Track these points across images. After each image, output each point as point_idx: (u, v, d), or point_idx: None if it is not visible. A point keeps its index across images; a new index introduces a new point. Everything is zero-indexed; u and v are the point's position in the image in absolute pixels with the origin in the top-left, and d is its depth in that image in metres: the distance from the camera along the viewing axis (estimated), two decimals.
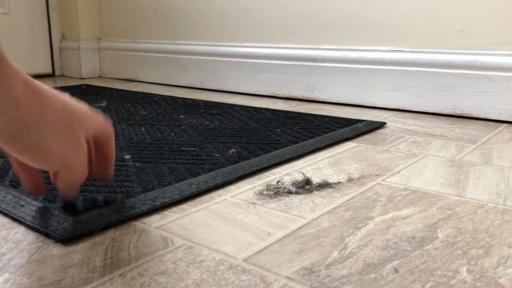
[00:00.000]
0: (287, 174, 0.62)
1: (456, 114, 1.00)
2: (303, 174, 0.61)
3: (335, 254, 0.40)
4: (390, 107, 1.10)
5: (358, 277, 0.36)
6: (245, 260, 0.39)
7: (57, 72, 1.80)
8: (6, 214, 0.48)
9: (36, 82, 0.40)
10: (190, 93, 1.36)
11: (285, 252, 0.40)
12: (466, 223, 0.46)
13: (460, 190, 0.56)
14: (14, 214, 0.47)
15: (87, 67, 1.75)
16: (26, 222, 0.45)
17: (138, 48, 1.63)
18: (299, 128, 0.87)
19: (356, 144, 0.78)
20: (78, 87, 1.46)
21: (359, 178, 0.60)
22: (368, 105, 1.13)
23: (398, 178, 0.60)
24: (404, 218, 0.48)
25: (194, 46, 1.47)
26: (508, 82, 0.93)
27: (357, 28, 1.12)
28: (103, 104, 1.13)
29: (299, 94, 1.24)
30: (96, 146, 0.48)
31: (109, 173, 0.50)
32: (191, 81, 1.49)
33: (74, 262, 0.39)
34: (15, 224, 0.46)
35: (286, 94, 1.26)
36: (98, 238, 0.43)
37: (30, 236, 0.43)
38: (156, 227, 0.46)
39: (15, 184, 0.55)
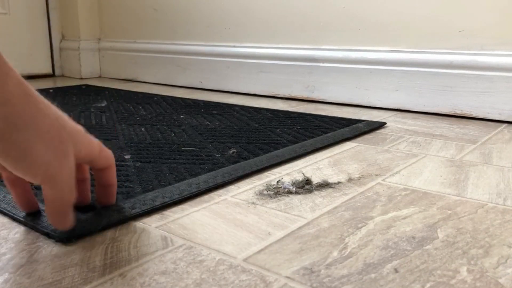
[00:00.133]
0: (287, 174, 0.62)
1: (456, 114, 1.00)
2: (303, 174, 0.61)
3: (335, 254, 0.40)
4: (390, 107, 1.10)
5: (358, 277, 0.36)
6: (245, 260, 0.39)
7: (57, 72, 1.80)
8: (6, 214, 0.48)
9: (31, 87, 0.38)
10: (190, 93, 1.36)
11: (285, 252, 0.40)
12: (466, 223, 0.46)
13: (460, 190, 0.56)
14: (14, 214, 0.47)
15: (87, 67, 1.75)
16: (26, 222, 0.45)
17: (138, 48, 1.63)
18: (299, 128, 0.87)
19: (356, 144, 0.78)
20: (78, 87, 1.46)
21: (359, 178, 0.60)
22: (368, 105, 1.13)
23: (398, 178, 0.60)
24: (404, 218, 0.48)
25: (194, 46, 1.47)
26: (508, 82, 0.93)
27: (357, 28, 1.13)
28: (103, 104, 1.13)
29: (299, 94, 1.24)
30: (96, 175, 0.46)
31: (111, 202, 0.48)
32: (191, 81, 1.49)
33: (74, 262, 0.39)
34: (15, 224, 0.46)
35: (286, 94, 1.26)
36: (98, 238, 0.43)
37: (30, 236, 0.43)
38: (156, 227, 0.46)
39: None
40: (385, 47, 1.09)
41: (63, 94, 1.30)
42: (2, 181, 0.56)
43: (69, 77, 1.78)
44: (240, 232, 0.44)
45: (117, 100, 1.20)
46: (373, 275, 0.37)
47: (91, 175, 0.48)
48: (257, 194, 0.54)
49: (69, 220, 0.42)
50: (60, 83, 1.60)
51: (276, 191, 0.55)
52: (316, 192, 0.55)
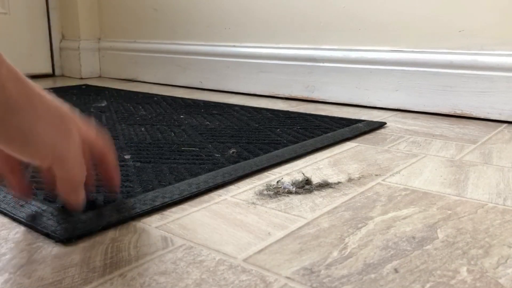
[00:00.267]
0: (287, 174, 0.62)
1: (456, 114, 1.00)
2: (303, 174, 0.61)
3: (335, 254, 0.40)
4: (390, 107, 1.10)
5: (358, 277, 0.36)
6: (245, 260, 0.39)
7: (57, 72, 1.80)
8: (6, 214, 0.48)
9: (20, 72, 0.38)
10: (190, 93, 1.36)
11: (285, 252, 0.40)
12: (466, 223, 0.46)
13: (460, 190, 0.56)
14: (14, 214, 0.47)
15: (87, 67, 1.75)
16: (26, 222, 0.45)
17: (138, 48, 1.63)
18: (299, 128, 0.87)
19: (356, 144, 0.78)
20: (78, 87, 1.46)
21: (359, 178, 0.60)
22: (368, 105, 1.13)
23: (398, 178, 0.60)
24: (404, 218, 0.48)
25: (194, 46, 1.47)
26: (508, 82, 0.93)
27: (357, 28, 1.12)
28: (103, 104, 1.13)
29: (299, 94, 1.24)
30: (96, 165, 0.46)
31: (114, 190, 0.49)
32: (191, 81, 1.49)
33: (74, 262, 0.39)
34: (15, 224, 0.46)
35: (286, 94, 1.26)
36: (98, 238, 0.43)
37: (30, 236, 0.43)
38: (156, 227, 0.46)
39: None
40: (385, 47, 1.09)
41: (63, 94, 1.30)
42: (3, 181, 0.56)
43: (69, 77, 1.78)
44: (240, 232, 0.44)
45: (117, 100, 1.20)
46: (373, 275, 0.37)
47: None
48: (257, 194, 0.54)
49: (81, 196, 0.43)
50: (60, 83, 1.60)
51: (276, 191, 0.55)
52: (316, 192, 0.55)
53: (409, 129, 0.89)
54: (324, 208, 0.50)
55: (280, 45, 1.27)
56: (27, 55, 1.70)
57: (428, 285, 0.35)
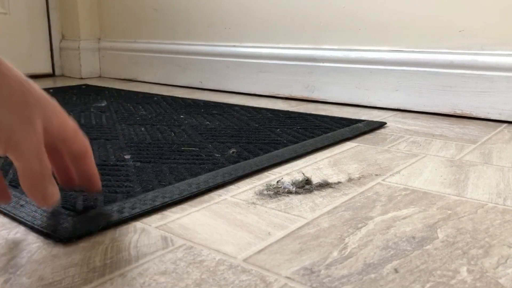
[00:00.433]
0: (287, 174, 0.62)
1: (456, 114, 1.00)
2: (303, 174, 0.61)
3: (335, 254, 0.40)
4: (390, 107, 1.10)
5: (358, 277, 0.36)
6: (245, 260, 0.39)
7: (57, 72, 1.80)
8: (6, 214, 0.48)
9: None
10: (190, 93, 1.36)
11: (285, 252, 0.40)
12: (466, 223, 0.46)
13: (460, 190, 0.56)
14: (14, 214, 0.47)
15: (87, 67, 1.75)
16: (26, 222, 0.45)
17: (138, 48, 1.63)
18: (299, 128, 0.87)
19: (356, 144, 0.78)
20: (78, 87, 1.46)
21: (359, 178, 0.60)
22: (368, 105, 1.13)
23: (398, 178, 0.60)
24: (404, 218, 0.48)
25: (194, 46, 1.47)
26: (508, 82, 0.93)
27: (357, 28, 1.12)
28: (103, 104, 1.13)
29: (299, 94, 1.24)
30: (75, 165, 0.44)
31: (97, 190, 0.46)
32: (191, 81, 1.49)
33: (74, 262, 0.39)
34: (15, 224, 0.46)
35: (286, 94, 1.26)
36: (98, 238, 0.43)
37: (30, 236, 0.43)
38: (156, 227, 0.46)
39: (15, 184, 0.55)
40: (385, 47, 1.09)
41: (63, 94, 1.30)
42: None
43: (69, 77, 1.78)
44: (240, 232, 0.44)
45: (117, 100, 1.20)
46: (373, 275, 0.37)
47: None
48: (257, 194, 0.54)
49: (49, 196, 0.39)
50: (60, 83, 1.60)
51: (276, 191, 0.55)
52: (316, 192, 0.55)
53: (409, 129, 0.89)
54: (324, 208, 0.50)
55: (280, 45, 1.27)
56: (27, 55, 1.70)
57: (428, 285, 0.35)
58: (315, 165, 0.66)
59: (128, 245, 0.42)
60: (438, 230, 0.45)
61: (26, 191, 0.39)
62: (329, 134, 0.82)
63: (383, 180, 0.60)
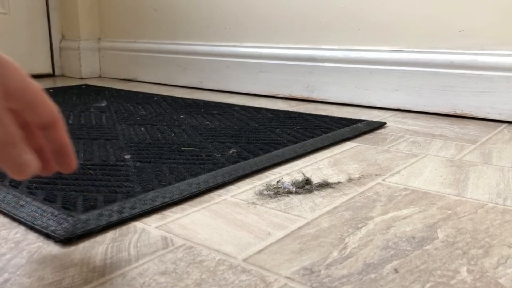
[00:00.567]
0: (287, 174, 0.62)
1: (456, 114, 1.00)
2: (303, 174, 0.61)
3: (335, 254, 0.40)
4: (390, 107, 1.10)
5: (358, 277, 0.36)
6: (245, 260, 0.39)
7: (57, 72, 1.80)
8: (6, 214, 0.48)
9: None
10: (190, 93, 1.36)
11: (285, 252, 0.40)
12: (466, 223, 0.46)
13: (460, 190, 0.56)
14: (14, 214, 0.47)
15: (87, 67, 1.75)
16: (26, 222, 0.45)
17: (138, 48, 1.63)
18: (299, 128, 0.87)
19: (356, 144, 0.78)
20: (78, 87, 1.46)
21: (359, 178, 0.60)
22: (368, 105, 1.13)
23: (398, 178, 0.60)
24: (404, 218, 0.48)
25: (194, 46, 1.47)
26: (508, 82, 0.93)
27: (357, 28, 1.12)
28: (103, 104, 1.13)
29: (299, 94, 1.24)
30: (45, 136, 0.38)
31: (72, 166, 0.39)
32: (191, 81, 1.49)
33: (74, 262, 0.39)
34: (15, 224, 0.46)
35: (286, 94, 1.26)
36: (98, 238, 0.43)
37: (30, 236, 0.43)
38: (156, 227, 0.46)
39: (15, 184, 0.55)
40: (385, 47, 1.09)
41: (63, 94, 1.30)
42: (3, 181, 0.56)
43: (69, 77, 1.78)
44: (240, 232, 0.44)
45: (117, 100, 1.20)
46: (373, 275, 0.37)
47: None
48: (257, 194, 0.54)
49: (24, 165, 0.33)
50: (60, 83, 1.60)
51: (276, 191, 0.55)
52: (316, 192, 0.55)
53: (409, 129, 0.89)
54: (324, 208, 0.50)
55: (280, 45, 1.27)
56: (27, 55, 1.70)
57: (428, 285, 0.35)
58: (315, 165, 0.66)
59: (128, 245, 0.42)
60: (438, 230, 0.45)
61: None
62: (329, 134, 0.82)
63: (383, 180, 0.60)
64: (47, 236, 0.43)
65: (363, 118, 0.98)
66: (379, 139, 0.81)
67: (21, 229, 0.45)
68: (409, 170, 0.64)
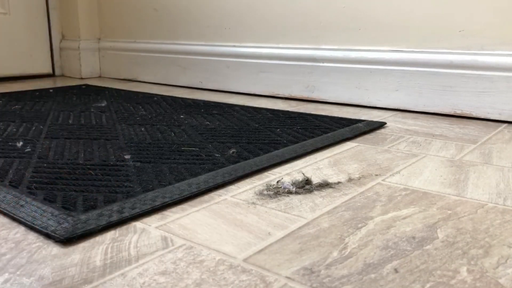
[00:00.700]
0: (287, 174, 0.62)
1: (456, 114, 1.00)
2: (303, 174, 0.61)
3: (335, 254, 0.40)
4: (390, 107, 1.10)
5: (358, 277, 0.36)
6: (245, 260, 0.39)
7: (57, 72, 1.80)
8: (6, 214, 0.48)
9: None
10: (190, 93, 1.36)
11: (285, 252, 0.40)
12: (466, 223, 0.46)
13: (460, 190, 0.56)
14: (14, 214, 0.47)
15: (87, 67, 1.75)
16: (26, 222, 0.45)
17: (138, 48, 1.63)
18: (299, 128, 0.87)
19: (356, 144, 0.78)
20: (78, 87, 1.46)
21: (359, 178, 0.60)
22: (368, 105, 1.13)
23: (398, 178, 0.60)
24: (404, 218, 0.48)
25: (194, 46, 1.47)
26: (508, 82, 0.93)
27: (357, 28, 1.12)
28: (103, 104, 1.13)
29: (299, 94, 1.24)
30: None
31: None
32: (191, 81, 1.49)
33: (74, 262, 0.39)
34: (15, 224, 0.46)
35: (286, 94, 1.26)
36: (98, 238, 0.43)
37: (30, 236, 0.43)
38: (156, 227, 0.46)
39: (15, 184, 0.55)
40: (385, 47, 1.09)
41: (63, 94, 1.30)
42: (3, 181, 0.56)
43: (69, 77, 1.78)
44: (240, 232, 0.44)
45: (117, 100, 1.20)
46: (373, 275, 0.37)
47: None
48: (257, 194, 0.54)
49: None
50: (60, 83, 1.60)
51: (276, 191, 0.55)
52: (316, 192, 0.55)
53: (409, 129, 0.89)
54: (324, 208, 0.50)
55: (280, 45, 1.27)
56: (27, 55, 1.70)
57: (428, 285, 0.35)
58: (315, 165, 0.66)
59: (128, 245, 0.42)
60: (438, 230, 0.45)
61: None
62: (329, 134, 0.82)
63: (383, 180, 0.60)
64: (47, 236, 0.43)
65: (363, 118, 0.98)
66: (379, 139, 0.81)
67: (21, 229, 0.45)
68: (409, 170, 0.64)
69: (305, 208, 0.50)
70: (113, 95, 1.29)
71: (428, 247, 0.41)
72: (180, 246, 0.42)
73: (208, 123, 0.91)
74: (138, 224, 0.46)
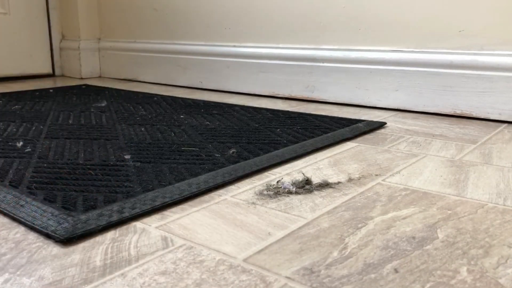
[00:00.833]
0: (287, 174, 0.62)
1: (456, 114, 1.00)
2: (303, 174, 0.61)
3: (335, 254, 0.40)
4: (390, 107, 1.10)
5: (358, 277, 0.36)
6: (245, 260, 0.39)
7: (57, 72, 1.80)
8: (6, 214, 0.48)
9: None
10: (190, 93, 1.36)
11: (285, 252, 0.40)
12: (466, 223, 0.46)
13: (460, 190, 0.56)
14: (14, 214, 0.47)
15: (87, 67, 1.75)
16: (26, 222, 0.45)
17: (138, 48, 1.63)
18: (299, 128, 0.87)
19: (356, 144, 0.78)
20: (78, 87, 1.46)
21: (359, 178, 0.60)
22: (368, 105, 1.13)
23: (398, 178, 0.60)
24: (404, 218, 0.48)
25: (194, 46, 1.47)
26: (508, 82, 0.93)
27: (357, 28, 1.12)
28: (103, 104, 1.13)
29: (299, 94, 1.24)
30: None
31: None
32: (191, 81, 1.49)
33: (74, 262, 0.39)
34: (15, 224, 0.46)
35: (286, 94, 1.26)
36: (98, 238, 0.43)
37: (30, 236, 0.43)
38: (156, 227, 0.46)
39: (15, 184, 0.55)
40: (385, 47, 1.09)
41: (63, 94, 1.30)
42: (3, 181, 0.56)
43: (69, 77, 1.78)
44: (240, 232, 0.44)
45: (117, 100, 1.20)
46: (373, 275, 0.37)
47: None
48: (257, 194, 0.54)
49: None
50: (60, 83, 1.60)
51: (276, 191, 0.55)
52: (316, 192, 0.55)
53: (409, 129, 0.89)
54: (324, 208, 0.50)
55: (280, 45, 1.27)
56: (27, 55, 1.70)
57: (428, 285, 0.35)
58: (315, 165, 0.66)
59: (128, 245, 0.42)
60: (438, 230, 0.45)
61: None
62: (329, 134, 0.82)
63: (383, 180, 0.60)
64: (47, 236, 0.43)
65: (363, 118, 0.98)
66: (379, 139, 0.81)
67: (21, 229, 0.45)
68: (409, 170, 0.64)
69: (305, 208, 0.50)
70: (113, 95, 1.29)
71: (428, 247, 0.41)
72: (180, 246, 0.42)
73: (208, 123, 0.91)
74: (138, 224, 0.46)
